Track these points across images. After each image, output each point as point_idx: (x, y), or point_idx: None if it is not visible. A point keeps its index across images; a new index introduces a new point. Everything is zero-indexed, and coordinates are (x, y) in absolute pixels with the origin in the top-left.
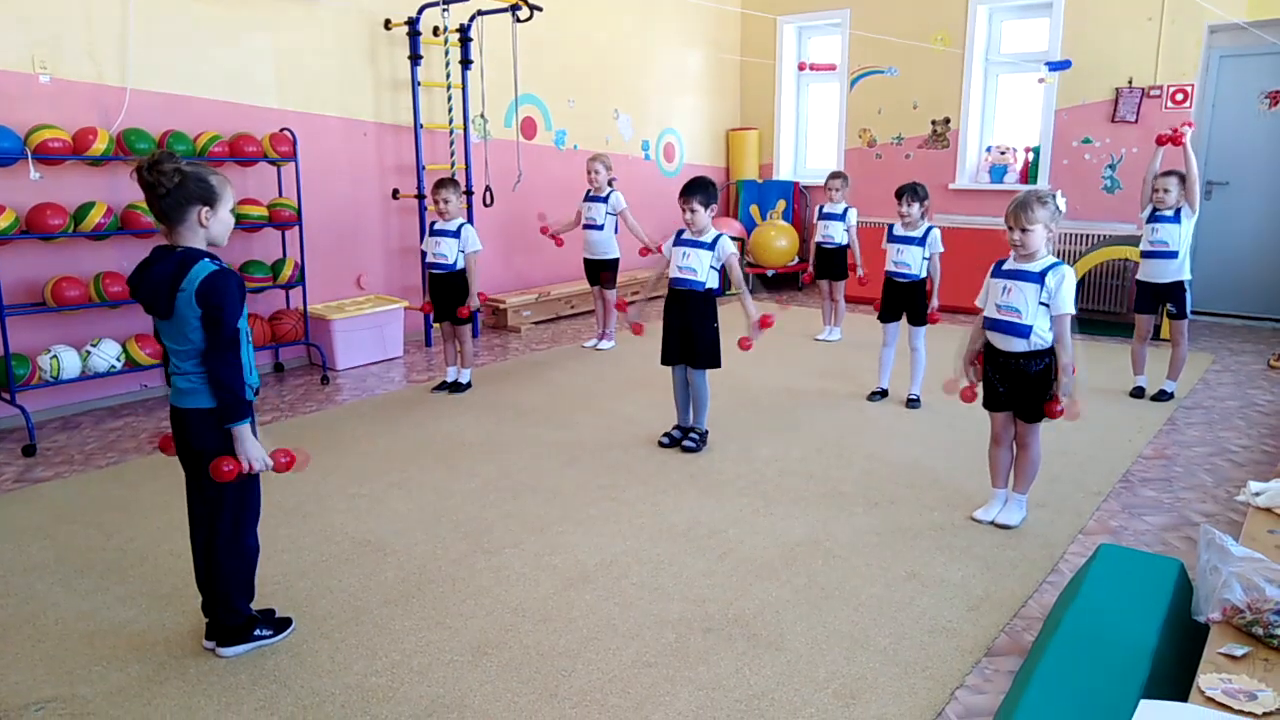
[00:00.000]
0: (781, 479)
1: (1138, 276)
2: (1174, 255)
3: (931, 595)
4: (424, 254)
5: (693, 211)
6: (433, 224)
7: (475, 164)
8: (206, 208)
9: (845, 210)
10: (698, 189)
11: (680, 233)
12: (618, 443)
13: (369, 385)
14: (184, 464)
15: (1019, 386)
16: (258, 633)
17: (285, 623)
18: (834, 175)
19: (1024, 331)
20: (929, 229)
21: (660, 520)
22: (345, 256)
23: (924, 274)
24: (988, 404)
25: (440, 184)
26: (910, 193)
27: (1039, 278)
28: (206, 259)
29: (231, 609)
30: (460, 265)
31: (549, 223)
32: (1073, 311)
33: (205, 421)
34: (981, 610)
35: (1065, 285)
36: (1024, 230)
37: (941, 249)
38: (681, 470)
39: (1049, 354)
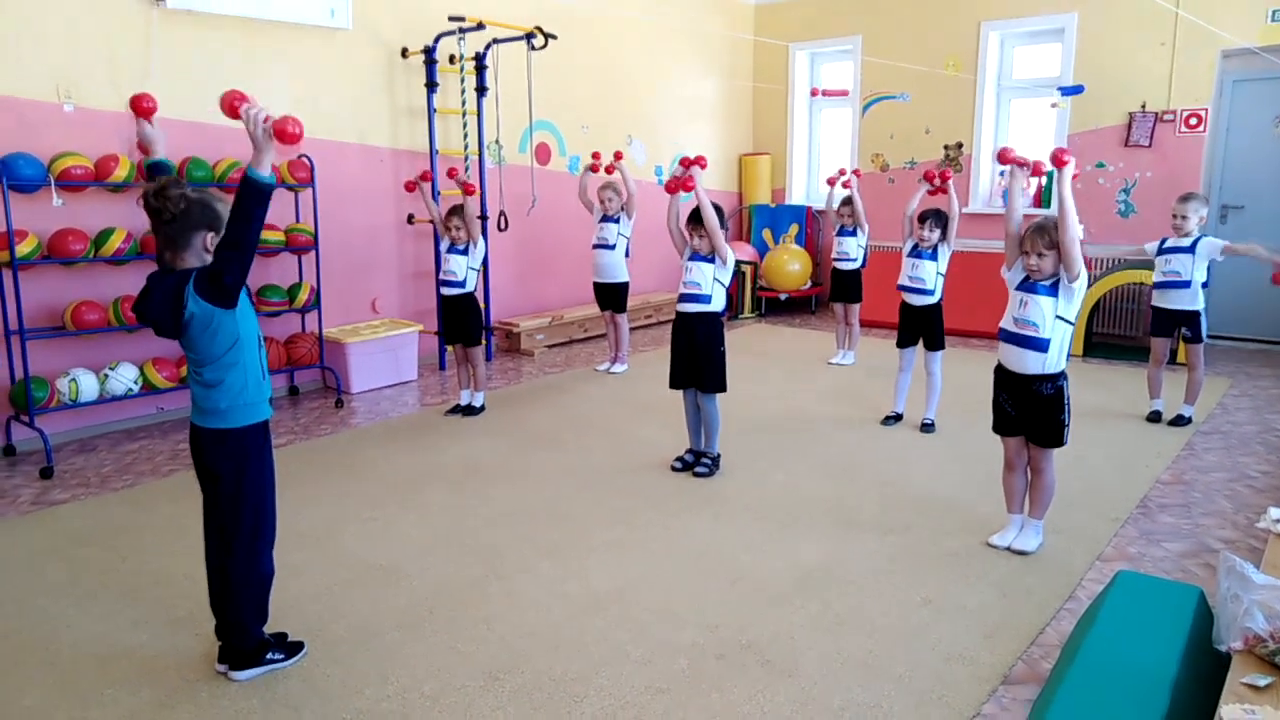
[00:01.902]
0: (795, 504)
1: (1153, 302)
2: (1187, 285)
3: (947, 622)
4: (438, 270)
5: (700, 238)
6: (449, 245)
7: (490, 189)
8: (212, 233)
9: (856, 229)
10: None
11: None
12: (631, 467)
13: (383, 409)
14: (202, 484)
15: (1030, 410)
16: (270, 656)
17: (297, 646)
18: (845, 202)
19: (1043, 345)
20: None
21: (673, 545)
22: (360, 281)
23: (939, 294)
24: (998, 428)
25: (452, 211)
26: (935, 217)
27: (1052, 290)
28: (195, 270)
29: (245, 632)
30: (470, 286)
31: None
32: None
33: (222, 442)
34: (998, 638)
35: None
36: (1040, 255)
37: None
38: (694, 495)
39: (1061, 378)
